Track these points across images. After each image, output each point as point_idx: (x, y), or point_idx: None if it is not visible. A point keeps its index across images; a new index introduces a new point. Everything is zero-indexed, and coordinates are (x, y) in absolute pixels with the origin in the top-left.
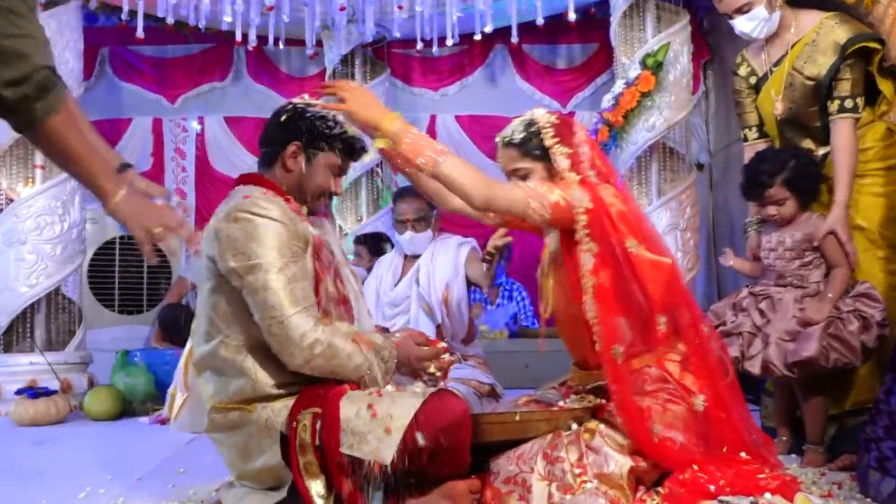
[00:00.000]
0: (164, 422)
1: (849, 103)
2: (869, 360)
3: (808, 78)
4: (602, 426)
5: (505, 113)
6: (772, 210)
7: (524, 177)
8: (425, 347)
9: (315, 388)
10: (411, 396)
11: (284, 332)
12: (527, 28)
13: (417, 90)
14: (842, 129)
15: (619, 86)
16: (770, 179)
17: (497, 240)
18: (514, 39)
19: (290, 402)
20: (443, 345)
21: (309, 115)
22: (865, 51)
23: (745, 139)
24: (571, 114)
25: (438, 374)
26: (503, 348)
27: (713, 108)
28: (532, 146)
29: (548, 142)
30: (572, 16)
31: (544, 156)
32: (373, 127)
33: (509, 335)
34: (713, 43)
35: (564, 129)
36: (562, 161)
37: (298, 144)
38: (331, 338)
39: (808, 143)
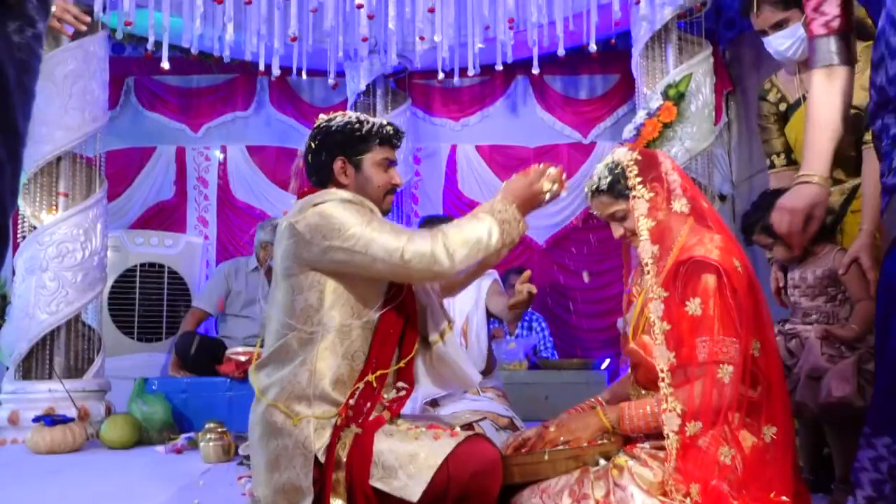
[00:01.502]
0: (179, 451)
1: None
2: None
3: (852, 107)
4: (631, 462)
5: (526, 143)
6: (767, 254)
7: (622, 218)
8: (523, 178)
9: (364, 402)
10: (447, 438)
11: (416, 259)
12: (548, 59)
13: (438, 120)
14: (874, 158)
15: (640, 116)
16: (750, 228)
17: (525, 285)
18: (536, 70)
19: (331, 421)
20: (539, 166)
21: (336, 128)
22: None
23: (772, 165)
24: (593, 144)
25: (555, 187)
26: (523, 380)
27: (735, 139)
28: (620, 188)
29: (631, 181)
30: (593, 47)
31: (630, 194)
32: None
33: (529, 366)
34: (735, 74)
35: (648, 162)
36: (640, 205)
37: (343, 159)
38: (449, 231)
39: (838, 174)
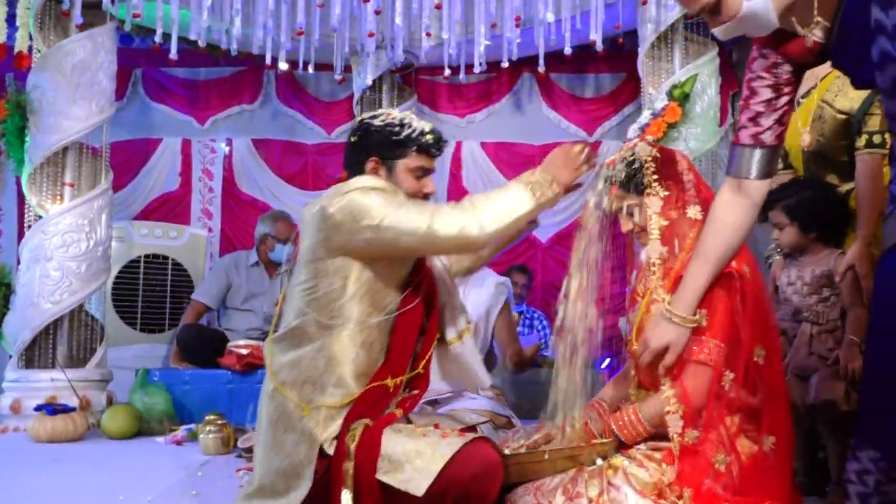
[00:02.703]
0: (179, 442)
1: (877, 139)
2: None
3: (840, 112)
4: (626, 463)
5: (531, 141)
6: (775, 234)
7: (633, 213)
8: (561, 157)
9: (375, 396)
10: (454, 437)
11: (444, 230)
12: (554, 57)
13: (444, 116)
14: (867, 164)
15: (645, 116)
16: (772, 203)
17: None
18: (542, 68)
19: (341, 411)
20: (577, 147)
21: (375, 128)
22: None
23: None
24: (598, 143)
25: (587, 167)
26: (521, 378)
27: None
28: (636, 183)
29: (647, 178)
30: (600, 46)
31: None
32: None
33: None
34: (741, 76)
35: (666, 161)
36: (654, 202)
37: (376, 159)
38: (476, 201)
39: (832, 178)
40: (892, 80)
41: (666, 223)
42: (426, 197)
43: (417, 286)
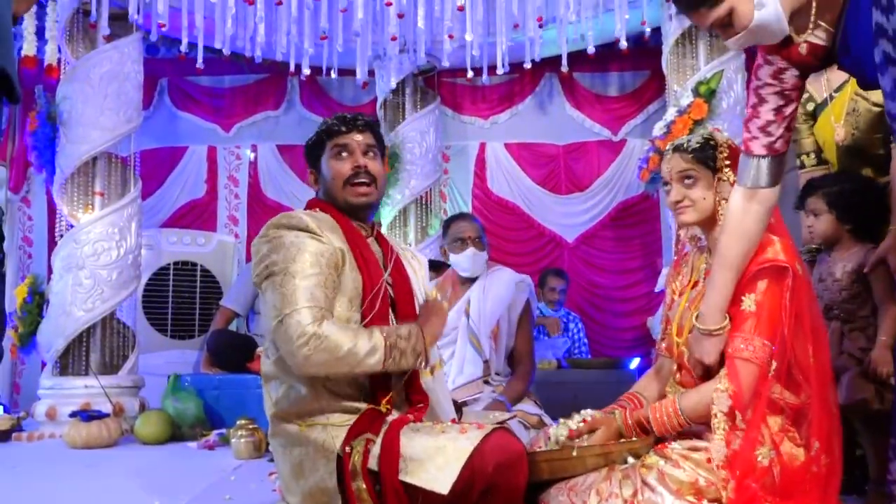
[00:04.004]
0: (211, 447)
1: None
2: None
3: (875, 104)
4: (661, 462)
5: (555, 141)
6: (809, 220)
7: (690, 180)
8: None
9: (374, 414)
10: (473, 431)
11: (283, 330)
12: (577, 56)
13: (467, 118)
14: None
15: (671, 113)
16: (813, 190)
17: None
18: (564, 68)
19: (347, 425)
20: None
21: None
22: None
23: (803, 165)
24: (623, 142)
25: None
26: (551, 379)
27: None
28: (707, 155)
29: (720, 162)
30: (623, 44)
31: (714, 170)
32: None
33: (557, 368)
34: None
35: (736, 155)
36: (724, 187)
37: (311, 170)
38: (332, 330)
39: (867, 172)
40: (893, 81)
41: None
42: (363, 171)
43: (371, 307)
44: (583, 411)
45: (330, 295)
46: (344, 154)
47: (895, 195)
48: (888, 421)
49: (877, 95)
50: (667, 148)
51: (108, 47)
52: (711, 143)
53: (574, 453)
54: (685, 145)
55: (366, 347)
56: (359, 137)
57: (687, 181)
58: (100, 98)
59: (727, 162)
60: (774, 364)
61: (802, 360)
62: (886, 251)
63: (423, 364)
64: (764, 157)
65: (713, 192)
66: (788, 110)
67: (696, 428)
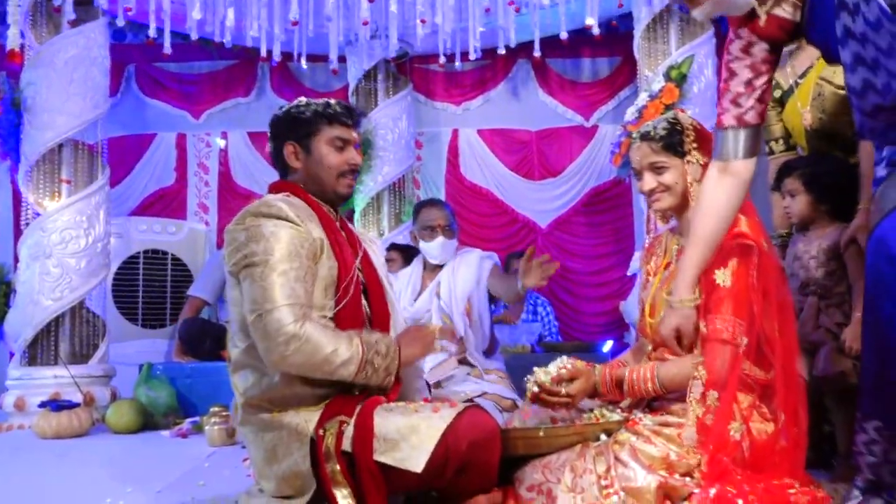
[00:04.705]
0: (184, 435)
1: None
2: None
3: (839, 87)
4: (633, 439)
5: (528, 127)
6: (786, 201)
7: (661, 170)
8: (414, 335)
9: (346, 397)
10: (446, 410)
11: (262, 326)
12: (550, 42)
13: (440, 104)
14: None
15: (642, 98)
16: (790, 172)
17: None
18: (537, 53)
19: (321, 408)
20: (432, 328)
21: (283, 115)
22: None
23: (772, 152)
24: (595, 127)
25: (439, 349)
26: (525, 363)
27: None
28: (675, 142)
29: (687, 145)
30: (596, 29)
31: (682, 154)
32: None
33: (531, 352)
34: None
35: (704, 136)
36: (694, 169)
37: (292, 144)
38: (313, 333)
39: (839, 154)
40: (852, 55)
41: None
42: (354, 169)
43: (345, 294)
44: (563, 358)
45: (309, 288)
46: (341, 147)
47: (864, 176)
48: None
49: (840, 79)
50: (634, 135)
51: (74, 32)
52: (678, 127)
53: (541, 433)
54: (652, 133)
55: (343, 356)
56: (355, 134)
57: (658, 170)
58: (65, 84)
59: (695, 145)
60: (745, 340)
61: (770, 336)
62: (856, 230)
63: (391, 385)
64: (735, 128)
65: (683, 176)
66: (759, 82)
67: (666, 404)
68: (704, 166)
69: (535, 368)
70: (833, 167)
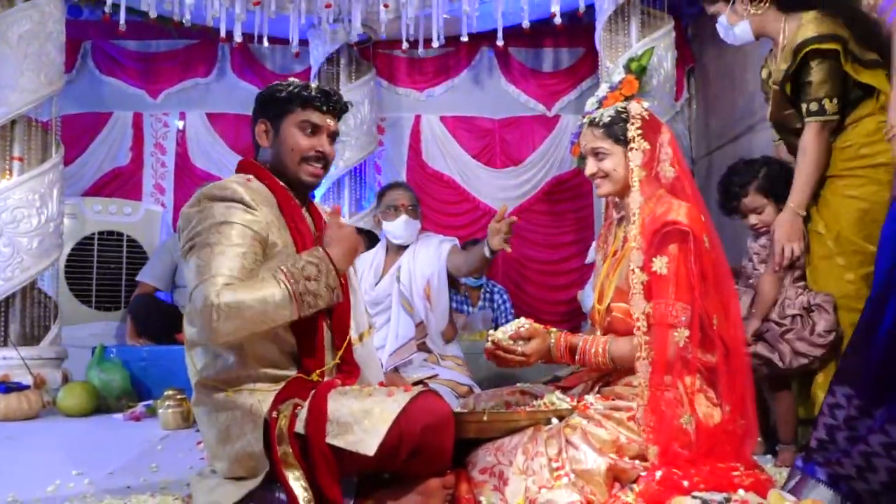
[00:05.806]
0: (138, 418)
1: (813, 106)
2: (827, 368)
3: (774, 83)
4: (584, 422)
5: (490, 114)
6: (753, 220)
7: (601, 156)
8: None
9: (302, 380)
10: (400, 394)
11: (192, 306)
12: (513, 31)
13: (402, 90)
14: (806, 132)
15: (602, 89)
16: (742, 190)
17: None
18: (500, 42)
19: (276, 389)
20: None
21: (263, 93)
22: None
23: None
24: (557, 117)
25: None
26: (481, 349)
27: (695, 116)
28: (617, 130)
29: (631, 132)
30: (558, 19)
31: (626, 143)
32: None
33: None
34: (697, 50)
35: (653, 125)
36: (636, 156)
37: (263, 121)
38: (232, 295)
39: (790, 140)
40: None
41: (645, 175)
42: (322, 157)
43: None
44: (521, 318)
45: (248, 266)
46: (310, 132)
47: (796, 170)
48: (797, 386)
49: (776, 74)
50: (583, 121)
51: (27, 5)
52: (623, 115)
53: (485, 418)
54: (597, 119)
55: (273, 300)
56: (331, 123)
57: (598, 156)
58: (19, 58)
59: (639, 132)
60: (686, 332)
61: (712, 318)
62: (777, 224)
63: (340, 297)
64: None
65: (624, 163)
66: None
67: (617, 389)
68: (649, 152)
69: (493, 332)
70: (777, 165)
